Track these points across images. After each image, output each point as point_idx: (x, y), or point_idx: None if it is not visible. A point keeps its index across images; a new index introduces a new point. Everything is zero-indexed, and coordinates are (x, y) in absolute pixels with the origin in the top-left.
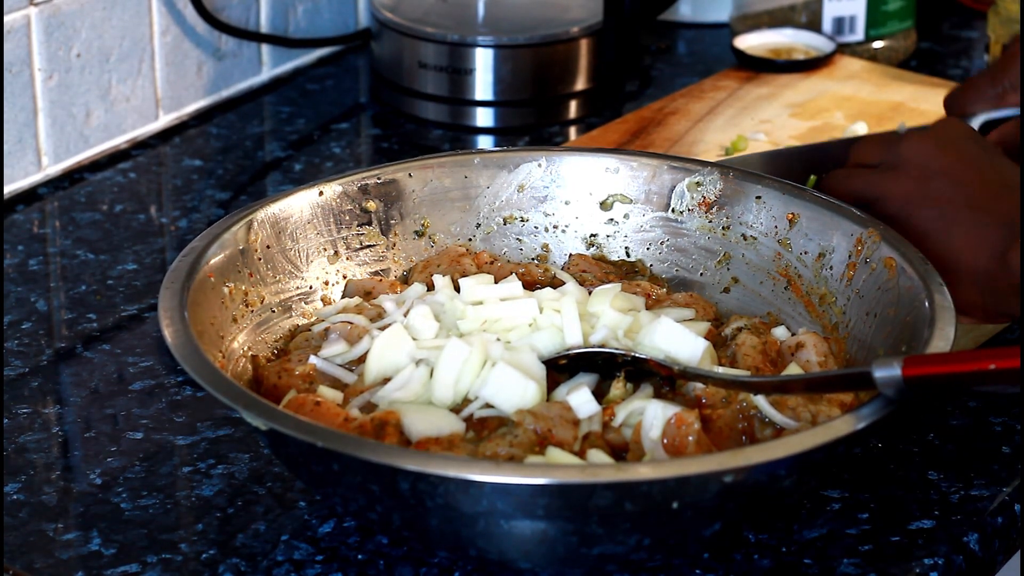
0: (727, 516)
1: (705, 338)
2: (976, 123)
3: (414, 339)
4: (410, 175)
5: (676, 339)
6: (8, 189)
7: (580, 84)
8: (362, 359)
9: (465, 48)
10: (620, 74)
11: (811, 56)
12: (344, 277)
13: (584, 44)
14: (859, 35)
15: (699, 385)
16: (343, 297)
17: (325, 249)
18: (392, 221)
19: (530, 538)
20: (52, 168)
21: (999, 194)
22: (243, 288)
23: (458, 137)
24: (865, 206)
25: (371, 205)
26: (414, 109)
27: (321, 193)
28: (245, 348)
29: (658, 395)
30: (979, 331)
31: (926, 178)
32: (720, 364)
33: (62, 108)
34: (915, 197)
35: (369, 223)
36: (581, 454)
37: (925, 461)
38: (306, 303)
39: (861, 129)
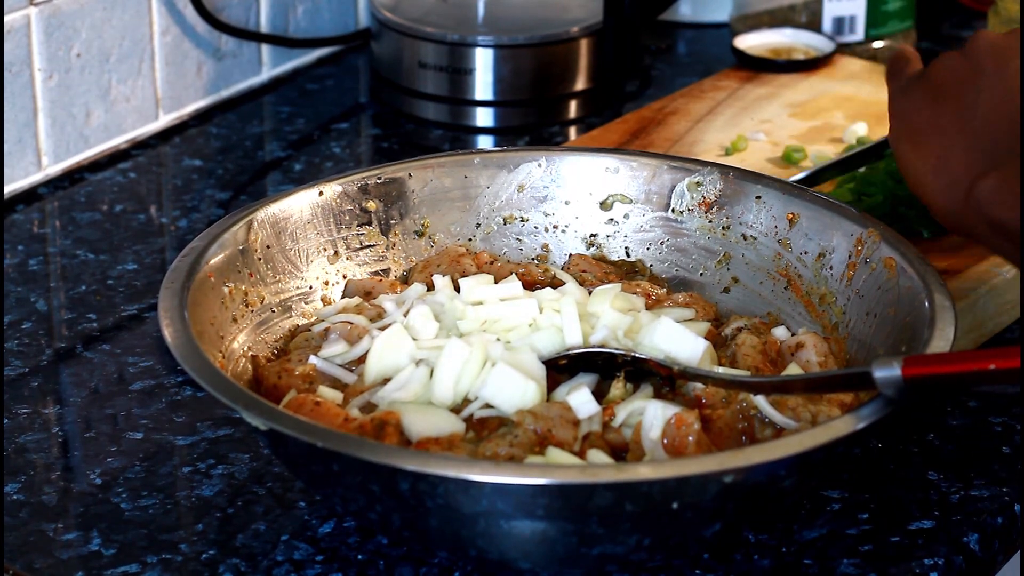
0: (727, 516)
1: (705, 338)
2: None
3: (414, 339)
4: (410, 175)
5: (676, 339)
6: (8, 189)
7: (580, 84)
8: (362, 359)
9: (465, 48)
10: (620, 74)
11: (811, 56)
12: (344, 277)
13: (584, 44)
14: (859, 35)
15: (699, 385)
16: (343, 297)
17: (325, 249)
18: (392, 221)
19: (530, 538)
20: (52, 168)
21: (979, 118)
22: (243, 288)
23: (458, 137)
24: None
25: (371, 205)
26: (414, 109)
27: (321, 193)
28: (245, 348)
29: (658, 395)
30: (979, 331)
31: (928, 103)
32: (720, 364)
33: (62, 108)
34: (912, 120)
35: (369, 223)
36: (581, 454)
37: (925, 461)
38: (306, 303)
39: (861, 129)
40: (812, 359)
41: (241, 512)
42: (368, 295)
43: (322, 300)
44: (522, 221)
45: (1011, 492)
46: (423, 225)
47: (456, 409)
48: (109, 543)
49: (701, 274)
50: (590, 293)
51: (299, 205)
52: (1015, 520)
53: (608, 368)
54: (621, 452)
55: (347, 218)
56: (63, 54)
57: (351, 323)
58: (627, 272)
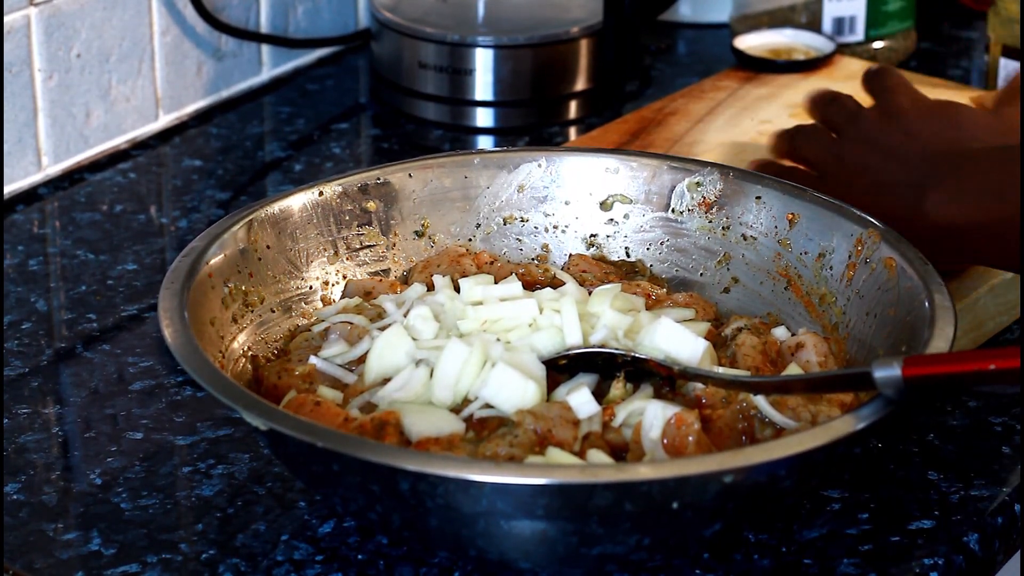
0: (727, 516)
1: (705, 338)
2: None
3: (414, 339)
4: (410, 175)
5: (676, 339)
6: (8, 189)
7: (580, 84)
8: (362, 359)
9: (465, 48)
10: (620, 74)
11: (811, 56)
12: (344, 277)
13: (584, 44)
14: (859, 35)
15: (699, 385)
16: (343, 297)
17: (325, 249)
18: (392, 221)
19: (530, 538)
20: (52, 168)
21: (910, 151)
22: (243, 288)
23: (458, 137)
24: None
25: (371, 205)
26: (414, 109)
27: (321, 193)
28: (245, 348)
29: (658, 395)
30: (979, 331)
31: (871, 151)
32: (720, 364)
33: (62, 108)
34: (858, 168)
35: (369, 223)
36: (581, 454)
37: (925, 461)
38: (306, 303)
39: None
40: (812, 359)
41: (241, 512)
42: (368, 295)
43: (322, 300)
44: (522, 221)
45: (1011, 492)
46: (423, 225)
47: (456, 409)
48: (109, 543)
49: (701, 274)
50: (590, 293)
51: (299, 205)
52: (1015, 520)
53: (608, 368)
54: (621, 452)
55: (347, 218)
56: (63, 54)
57: (351, 323)
58: (627, 272)
